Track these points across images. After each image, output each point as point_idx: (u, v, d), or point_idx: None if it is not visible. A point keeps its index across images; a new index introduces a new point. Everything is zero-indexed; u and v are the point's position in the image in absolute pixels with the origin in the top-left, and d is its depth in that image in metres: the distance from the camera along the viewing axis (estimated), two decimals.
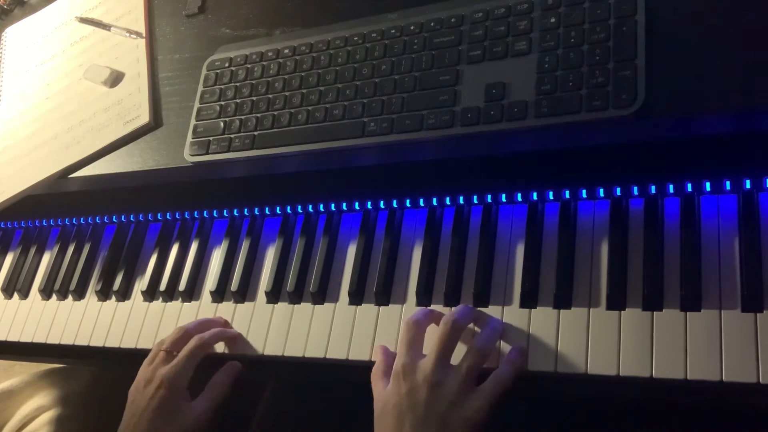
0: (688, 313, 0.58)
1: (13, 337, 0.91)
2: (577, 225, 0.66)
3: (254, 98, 0.79)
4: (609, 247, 0.64)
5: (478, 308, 0.66)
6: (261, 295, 0.78)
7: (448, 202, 0.73)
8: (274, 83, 0.79)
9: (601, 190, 0.66)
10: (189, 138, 0.81)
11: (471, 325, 0.65)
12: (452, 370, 0.61)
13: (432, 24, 0.72)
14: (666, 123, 0.60)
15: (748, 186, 0.60)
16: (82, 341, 0.86)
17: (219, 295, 0.81)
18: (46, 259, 0.97)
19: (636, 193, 0.65)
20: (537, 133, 0.64)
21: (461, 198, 0.72)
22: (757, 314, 0.56)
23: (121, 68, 0.93)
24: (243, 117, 0.79)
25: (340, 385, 0.81)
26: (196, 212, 0.87)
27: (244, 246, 0.82)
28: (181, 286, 0.83)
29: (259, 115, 0.78)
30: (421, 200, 0.74)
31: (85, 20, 1.01)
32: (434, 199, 0.73)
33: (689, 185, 0.62)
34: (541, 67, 0.65)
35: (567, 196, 0.67)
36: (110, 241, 0.93)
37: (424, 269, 0.71)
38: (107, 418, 0.73)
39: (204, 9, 0.92)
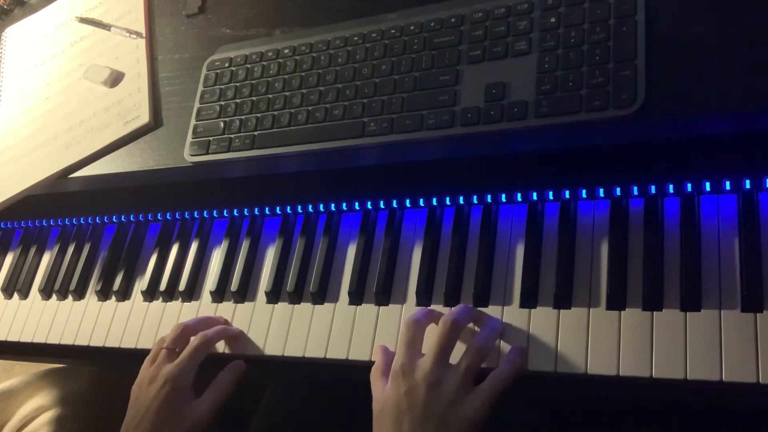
0: (688, 313, 0.58)
1: (13, 337, 0.91)
2: (577, 225, 0.66)
3: (254, 98, 0.79)
4: (609, 247, 0.64)
5: (478, 308, 0.66)
6: (261, 295, 0.78)
7: (448, 202, 0.73)
8: (274, 83, 0.79)
9: (601, 190, 0.66)
10: (189, 138, 0.81)
11: (471, 325, 0.65)
12: (451, 369, 0.61)
13: (432, 24, 0.72)
14: (666, 123, 0.60)
15: (748, 186, 0.60)
16: (82, 341, 0.86)
17: (219, 295, 0.81)
18: (46, 259, 0.97)
19: (636, 193, 0.65)
20: (537, 133, 0.64)
21: (461, 198, 0.72)
22: (757, 314, 0.56)
23: (121, 68, 0.93)
24: (243, 117, 0.79)
25: (340, 385, 0.81)
26: (196, 212, 0.87)
27: (244, 246, 0.82)
28: (181, 286, 0.83)
29: (259, 115, 0.78)
30: (421, 200, 0.74)
31: (85, 20, 1.01)
32: (434, 199, 0.73)
33: (689, 185, 0.62)
34: (541, 67, 0.65)
35: (567, 196, 0.67)
36: (110, 241, 0.93)
37: (424, 269, 0.71)
38: (107, 418, 0.73)
39: (204, 9, 0.92)
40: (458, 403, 0.58)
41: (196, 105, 0.83)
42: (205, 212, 0.87)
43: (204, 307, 0.81)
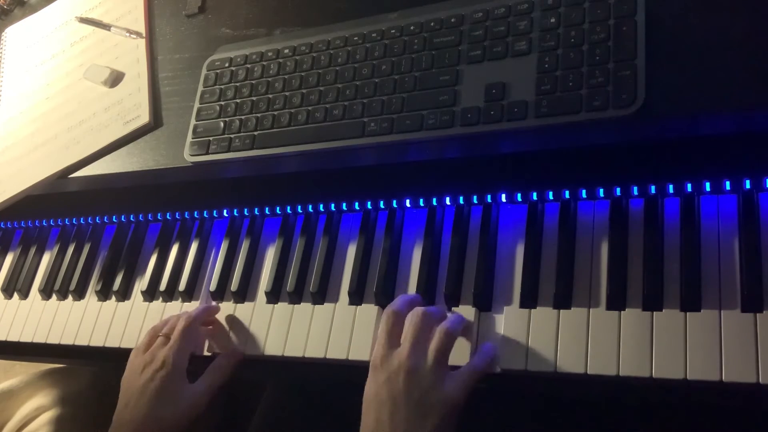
0: (688, 313, 0.58)
1: (13, 337, 0.91)
2: (577, 225, 0.66)
3: (254, 98, 0.79)
4: (609, 247, 0.64)
5: (479, 311, 0.66)
6: (261, 295, 0.78)
7: (448, 202, 0.73)
8: (274, 83, 0.79)
9: (601, 190, 0.66)
10: (189, 138, 0.81)
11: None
12: (426, 355, 0.62)
13: (432, 24, 0.72)
14: (666, 123, 0.60)
15: (748, 186, 0.60)
16: (82, 341, 0.86)
17: (219, 295, 0.81)
18: (46, 259, 0.97)
19: (636, 193, 0.65)
20: (537, 133, 0.64)
21: (461, 198, 0.72)
22: (757, 314, 0.56)
23: (121, 68, 0.93)
24: (243, 117, 0.79)
25: (340, 385, 0.82)
26: (196, 212, 0.87)
27: (244, 246, 0.82)
28: (181, 286, 0.83)
29: (259, 115, 0.78)
30: (421, 200, 0.74)
31: (85, 20, 1.01)
32: (434, 199, 0.73)
33: (689, 185, 0.62)
34: (541, 67, 0.65)
35: (567, 196, 0.67)
36: (110, 241, 0.93)
37: (424, 269, 0.71)
38: (107, 418, 0.73)
39: (204, 9, 0.92)
40: (435, 386, 0.59)
41: (196, 105, 0.83)
42: (205, 212, 0.87)
43: None
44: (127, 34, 0.95)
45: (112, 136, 0.88)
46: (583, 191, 0.67)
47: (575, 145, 0.66)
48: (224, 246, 0.84)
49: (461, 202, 0.72)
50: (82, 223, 0.97)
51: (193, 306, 0.82)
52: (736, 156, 0.61)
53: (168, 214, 0.89)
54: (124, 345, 0.83)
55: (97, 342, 0.85)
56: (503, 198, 0.70)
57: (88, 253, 0.93)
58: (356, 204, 0.77)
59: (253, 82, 0.80)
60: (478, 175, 0.72)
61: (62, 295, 0.92)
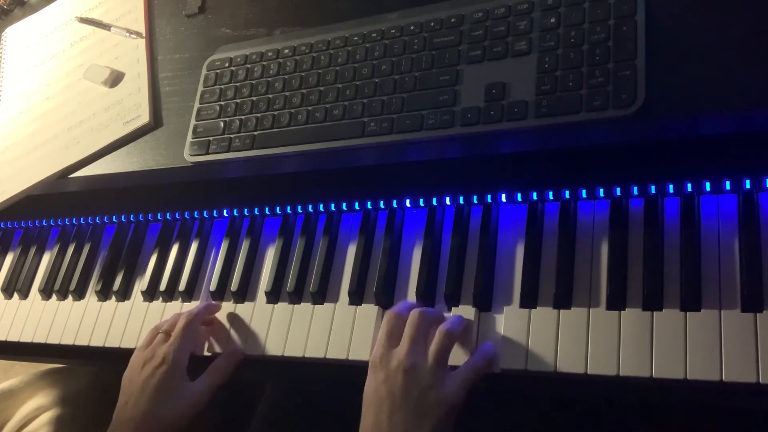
0: (688, 313, 0.58)
1: (13, 337, 0.91)
2: (577, 225, 0.66)
3: (254, 98, 0.79)
4: (609, 247, 0.64)
5: (479, 311, 0.66)
6: (261, 295, 0.78)
7: (448, 202, 0.73)
8: (274, 83, 0.79)
9: (601, 190, 0.66)
10: (189, 138, 0.81)
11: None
12: (425, 355, 0.62)
13: (432, 24, 0.72)
14: (666, 123, 0.60)
15: (748, 186, 0.60)
16: (82, 341, 0.86)
17: (219, 295, 0.81)
18: (46, 259, 0.97)
19: (636, 193, 0.65)
20: (537, 133, 0.64)
21: (461, 198, 0.72)
22: (757, 314, 0.56)
23: (121, 68, 0.93)
24: (243, 117, 0.79)
25: (340, 385, 0.82)
26: (196, 212, 0.87)
27: (244, 246, 0.82)
28: (181, 286, 0.83)
29: (259, 115, 0.78)
30: (421, 200, 0.74)
31: (85, 20, 1.01)
32: (434, 199, 0.73)
33: (689, 185, 0.62)
34: (541, 67, 0.65)
35: (567, 196, 0.67)
36: (110, 241, 0.93)
37: (424, 269, 0.71)
38: (107, 417, 0.73)
39: (204, 9, 0.92)
40: (434, 386, 0.59)
41: (196, 105, 0.83)
42: (205, 212, 0.87)
43: None
44: (127, 34, 0.95)
45: (112, 136, 0.88)
46: (583, 191, 0.67)
47: (575, 145, 0.66)
48: (224, 246, 0.84)
49: (461, 202, 0.72)
50: (82, 223, 0.97)
51: (193, 306, 0.81)
52: (736, 156, 0.61)
53: (168, 214, 0.89)
54: (124, 345, 0.83)
55: (97, 342, 0.85)
56: (503, 198, 0.70)
57: (88, 253, 0.93)
58: (356, 204, 0.77)
59: (253, 82, 0.80)
60: (478, 175, 0.72)
61: (62, 295, 0.92)
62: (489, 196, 0.71)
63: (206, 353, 0.77)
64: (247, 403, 0.92)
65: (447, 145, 0.68)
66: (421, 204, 0.74)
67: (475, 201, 0.72)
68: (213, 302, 0.80)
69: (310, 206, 0.80)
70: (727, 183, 0.61)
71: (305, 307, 0.75)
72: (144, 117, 0.87)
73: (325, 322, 0.73)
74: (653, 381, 0.57)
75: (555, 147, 0.67)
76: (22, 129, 0.98)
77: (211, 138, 0.80)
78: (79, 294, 0.91)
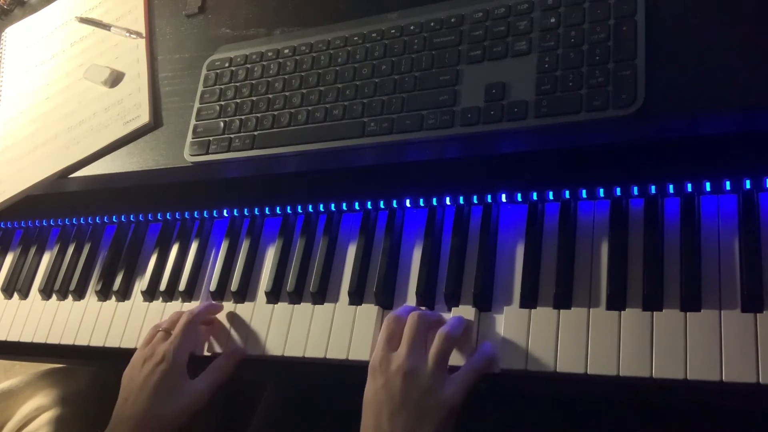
0: (688, 313, 0.58)
1: (13, 337, 0.91)
2: (577, 225, 0.66)
3: (254, 98, 0.79)
4: (609, 247, 0.64)
5: (479, 311, 0.66)
6: (261, 295, 0.78)
7: (448, 202, 0.73)
8: (274, 83, 0.79)
9: (601, 190, 0.66)
10: (189, 138, 0.81)
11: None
12: (424, 358, 0.62)
13: (432, 24, 0.72)
14: (666, 123, 0.60)
15: (748, 186, 0.60)
16: (82, 341, 0.86)
17: (219, 295, 0.81)
18: (46, 259, 0.97)
19: (636, 193, 0.65)
20: (537, 133, 0.64)
21: (461, 198, 0.72)
22: (757, 314, 0.56)
23: (121, 68, 0.93)
24: (243, 117, 0.79)
25: (340, 385, 0.82)
26: (196, 212, 0.87)
27: (244, 246, 0.82)
28: (181, 286, 0.83)
29: (259, 115, 0.78)
30: (421, 200, 0.74)
31: (85, 20, 1.01)
32: (434, 199, 0.73)
33: (689, 185, 0.62)
34: (541, 67, 0.65)
35: (567, 196, 0.67)
36: (110, 241, 0.93)
37: (424, 269, 0.71)
38: (107, 417, 0.73)
39: (204, 9, 0.92)
40: (433, 389, 0.59)
41: (196, 105, 0.83)
42: (205, 212, 0.87)
43: None
44: (127, 34, 0.95)
45: (112, 136, 0.88)
46: (583, 191, 0.67)
47: (575, 145, 0.66)
48: (224, 246, 0.84)
49: (461, 202, 0.72)
50: (82, 223, 0.97)
51: (193, 306, 0.81)
52: (736, 156, 0.61)
53: (168, 214, 0.89)
54: (124, 345, 0.83)
55: (97, 342, 0.85)
56: (503, 198, 0.70)
57: (88, 253, 0.93)
58: (356, 204, 0.77)
59: (253, 82, 0.80)
60: (478, 175, 0.72)
61: (62, 295, 0.92)
62: (489, 196, 0.71)
63: (206, 353, 0.77)
64: (247, 403, 0.92)
65: (447, 145, 0.68)
66: (421, 204, 0.74)
67: (475, 201, 0.72)
68: (215, 302, 0.80)
69: (310, 206, 0.80)
70: (727, 183, 0.61)
71: (305, 307, 0.75)
72: (144, 117, 0.87)
73: (325, 322, 0.73)
74: (653, 381, 0.57)
75: (555, 147, 0.67)
76: (22, 129, 0.98)
77: (211, 138, 0.80)
78: (79, 294, 0.91)
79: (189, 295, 0.83)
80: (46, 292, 0.93)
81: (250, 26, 0.87)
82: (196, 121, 0.82)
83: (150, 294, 0.85)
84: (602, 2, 0.64)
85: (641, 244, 0.63)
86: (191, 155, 0.80)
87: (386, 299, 0.71)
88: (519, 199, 0.70)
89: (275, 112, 0.77)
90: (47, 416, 0.93)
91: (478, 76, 0.68)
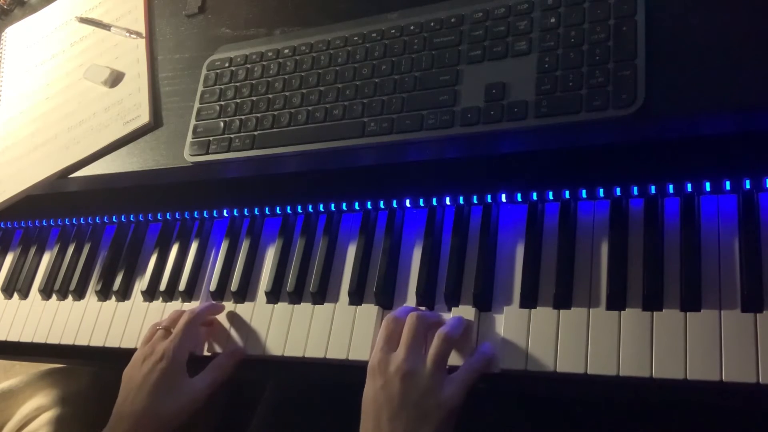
0: (688, 313, 0.58)
1: (13, 337, 0.91)
2: (577, 225, 0.66)
3: (254, 98, 0.79)
4: (609, 247, 0.64)
5: (479, 311, 0.66)
6: (261, 295, 0.78)
7: (448, 202, 0.73)
8: (274, 83, 0.79)
9: (601, 190, 0.66)
10: (189, 138, 0.81)
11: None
12: (423, 359, 0.62)
13: (432, 24, 0.72)
14: (666, 123, 0.60)
15: (748, 186, 0.60)
16: (82, 341, 0.86)
17: (219, 295, 0.81)
18: (46, 259, 0.97)
19: (636, 193, 0.65)
20: (537, 133, 0.63)
21: (461, 198, 0.72)
22: (757, 314, 0.56)
23: (121, 68, 0.93)
24: (243, 117, 0.79)
25: (340, 385, 0.82)
26: (196, 212, 0.87)
27: (244, 246, 0.82)
28: (181, 286, 0.83)
29: (259, 115, 0.78)
30: (421, 200, 0.74)
31: (85, 20, 1.01)
32: (434, 199, 0.73)
33: (689, 185, 0.62)
34: (541, 67, 0.65)
35: (567, 196, 0.67)
36: (110, 241, 0.93)
37: (424, 269, 0.71)
38: (107, 417, 0.73)
39: (204, 9, 0.92)
40: (432, 390, 0.59)
41: (196, 105, 0.83)
42: (205, 212, 0.87)
43: None
44: (127, 34, 0.95)
45: (112, 136, 0.88)
46: (583, 191, 0.67)
47: (575, 145, 0.66)
48: (224, 246, 0.84)
49: (461, 202, 0.72)
50: (82, 223, 0.97)
51: (193, 306, 0.81)
52: (736, 156, 0.61)
53: (168, 214, 0.89)
54: (124, 345, 0.83)
55: (97, 342, 0.85)
56: (503, 198, 0.70)
57: (88, 253, 0.93)
58: (356, 204, 0.77)
59: (253, 82, 0.80)
60: (478, 175, 0.72)
61: (62, 295, 0.92)
62: (489, 196, 0.71)
63: (206, 353, 0.77)
64: (247, 403, 0.92)
65: (447, 145, 0.68)
66: (421, 204, 0.74)
67: (475, 201, 0.72)
68: (216, 303, 0.80)
69: (310, 206, 0.80)
70: (727, 183, 0.61)
71: (305, 307, 0.75)
72: (144, 117, 0.87)
73: (325, 322, 0.73)
74: (653, 381, 0.57)
75: (555, 147, 0.67)
76: (22, 129, 0.98)
77: (211, 138, 0.80)
78: (79, 294, 0.91)
79: (189, 295, 0.83)
80: (46, 292, 0.93)
81: (250, 26, 0.87)
82: (196, 121, 0.82)
83: (150, 294, 0.85)
84: (602, 2, 0.64)
85: (641, 244, 0.63)
86: (191, 155, 0.80)
87: (386, 299, 0.71)
88: (519, 199, 0.70)
89: (275, 112, 0.77)
90: (47, 416, 0.93)
91: (478, 76, 0.68)
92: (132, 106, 0.89)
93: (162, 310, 0.84)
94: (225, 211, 0.86)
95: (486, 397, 0.64)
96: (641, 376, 0.57)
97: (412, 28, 0.73)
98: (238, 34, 0.87)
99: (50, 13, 1.07)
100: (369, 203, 0.77)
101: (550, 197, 0.68)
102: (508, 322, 0.65)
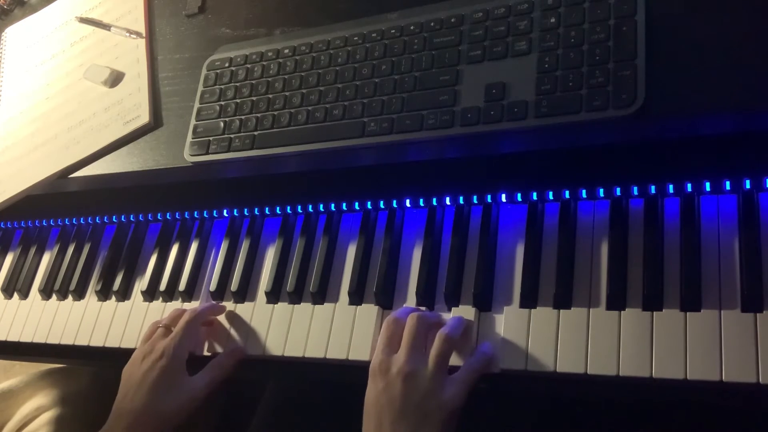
0: (688, 313, 0.58)
1: (13, 337, 0.91)
2: (577, 225, 0.66)
3: (254, 98, 0.79)
4: (609, 247, 0.64)
5: (479, 311, 0.66)
6: (261, 295, 0.78)
7: (448, 202, 0.73)
8: (274, 83, 0.79)
9: (601, 190, 0.66)
10: (189, 138, 0.81)
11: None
12: (424, 360, 0.62)
13: (432, 24, 0.72)
14: (666, 123, 0.60)
15: (748, 186, 0.60)
16: (82, 341, 0.86)
17: (219, 295, 0.81)
18: (46, 259, 0.97)
19: (636, 193, 0.65)
20: (537, 133, 0.63)
21: (461, 198, 0.72)
22: (757, 314, 0.56)
23: (121, 68, 0.93)
24: (243, 117, 0.79)
25: (340, 385, 0.82)
26: (196, 212, 0.87)
27: (244, 246, 0.82)
28: (181, 286, 0.83)
29: (259, 115, 0.78)
30: (421, 200, 0.74)
31: (85, 20, 1.01)
32: (434, 199, 0.73)
33: (689, 185, 0.62)
34: (541, 67, 0.65)
35: (567, 196, 0.67)
36: (110, 241, 0.93)
37: (424, 269, 0.71)
38: (107, 417, 0.73)
39: (204, 9, 0.92)
40: (434, 392, 0.59)
41: (196, 105, 0.83)
42: (205, 212, 0.87)
43: None
44: (127, 34, 0.95)
45: (112, 136, 0.88)
46: (583, 191, 0.67)
47: (575, 145, 0.66)
48: (224, 246, 0.84)
49: (461, 202, 0.72)
50: (82, 223, 0.97)
51: (193, 306, 0.81)
52: (736, 156, 0.61)
53: (168, 214, 0.89)
54: (124, 345, 0.83)
55: (97, 342, 0.85)
56: (503, 198, 0.70)
57: (88, 253, 0.93)
58: (356, 204, 0.77)
59: (253, 82, 0.80)
60: (478, 175, 0.72)
61: (62, 295, 0.92)
62: (489, 196, 0.71)
63: (206, 353, 0.77)
64: (247, 403, 0.92)
65: (447, 145, 0.68)
66: (421, 204, 0.74)
67: (475, 201, 0.72)
68: (217, 303, 0.80)
69: (310, 206, 0.80)
70: (727, 183, 0.61)
71: (305, 307, 0.75)
72: (144, 117, 0.87)
73: (325, 322, 0.73)
74: (653, 381, 0.57)
75: (555, 147, 0.67)
76: (22, 129, 0.98)
77: (211, 138, 0.80)
78: (79, 294, 0.91)
79: (189, 295, 0.83)
80: (46, 292, 0.93)
81: (250, 26, 0.87)
82: (196, 121, 0.82)
83: (150, 294, 0.85)
84: (602, 2, 0.64)
85: (641, 244, 0.63)
86: (191, 155, 0.80)
87: (386, 299, 0.71)
88: (519, 199, 0.70)
89: (275, 112, 0.77)
90: (47, 416, 0.93)
91: (478, 76, 0.68)
92: (132, 106, 0.89)
93: (162, 310, 0.84)
94: (225, 211, 0.86)
95: (486, 397, 0.64)
96: (641, 376, 0.57)
97: (412, 28, 0.73)
98: (238, 34, 0.87)
99: (50, 13, 1.07)
100: (369, 203, 0.77)
101: (550, 197, 0.68)
102: (508, 322, 0.65)
